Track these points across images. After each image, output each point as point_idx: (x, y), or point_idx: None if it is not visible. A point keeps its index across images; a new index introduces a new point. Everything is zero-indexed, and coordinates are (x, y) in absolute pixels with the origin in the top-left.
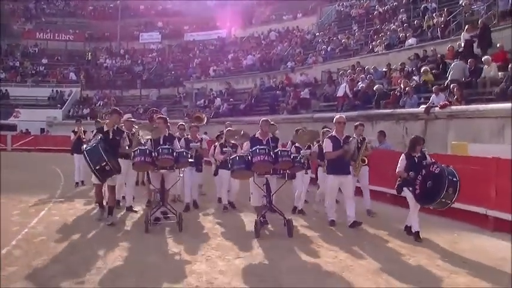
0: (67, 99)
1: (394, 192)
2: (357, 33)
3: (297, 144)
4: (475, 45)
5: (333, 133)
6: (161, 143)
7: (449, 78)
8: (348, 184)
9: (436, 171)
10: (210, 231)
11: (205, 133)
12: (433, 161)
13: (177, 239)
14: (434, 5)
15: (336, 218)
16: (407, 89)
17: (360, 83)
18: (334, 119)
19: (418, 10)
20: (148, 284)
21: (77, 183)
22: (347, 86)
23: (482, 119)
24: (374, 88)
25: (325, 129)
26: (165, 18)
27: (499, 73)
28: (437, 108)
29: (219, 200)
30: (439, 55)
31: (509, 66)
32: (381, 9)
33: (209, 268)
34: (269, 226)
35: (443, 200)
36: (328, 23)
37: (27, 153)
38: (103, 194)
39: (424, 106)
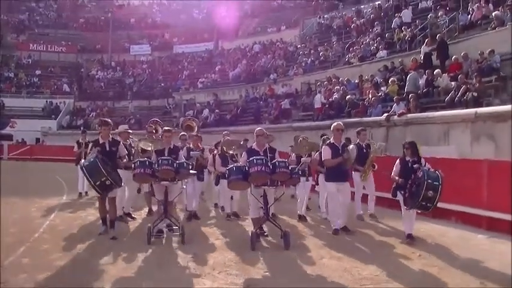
0: (61, 110)
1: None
2: (335, 45)
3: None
4: (433, 57)
5: (331, 140)
6: (166, 154)
7: (405, 89)
8: (346, 191)
9: (419, 175)
10: (213, 242)
11: None
12: (417, 166)
13: (179, 251)
14: (407, 18)
15: (339, 226)
16: (372, 99)
17: (334, 93)
18: (332, 127)
19: (391, 23)
20: None
21: (80, 193)
22: (322, 96)
23: (432, 124)
24: (346, 98)
25: (324, 136)
26: (155, 31)
27: (452, 83)
28: (396, 116)
29: (222, 208)
30: (401, 67)
31: (459, 76)
32: (358, 22)
33: (213, 282)
34: (269, 238)
35: (423, 202)
36: (309, 35)
37: (24, 162)
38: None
39: (386, 114)
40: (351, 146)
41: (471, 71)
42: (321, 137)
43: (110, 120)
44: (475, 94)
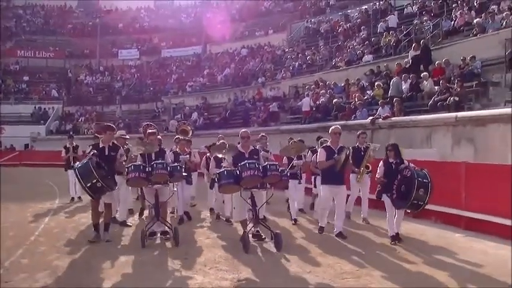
0: (50, 116)
1: None
2: (322, 49)
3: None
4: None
5: (328, 143)
6: (153, 158)
7: (389, 94)
8: (341, 195)
9: (407, 175)
10: (206, 244)
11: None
12: (404, 165)
13: (173, 254)
14: (393, 23)
15: (325, 225)
16: (357, 103)
17: (321, 97)
18: (330, 130)
19: (378, 28)
20: None
21: (72, 198)
22: (310, 100)
23: (415, 128)
24: (333, 102)
25: (322, 139)
26: (143, 36)
27: (435, 87)
28: (381, 120)
29: (211, 210)
30: (386, 71)
31: (441, 81)
32: (345, 26)
33: (204, 277)
34: (266, 239)
35: (415, 201)
36: (297, 39)
37: (14, 168)
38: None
39: (371, 118)
40: (346, 149)
41: (453, 76)
42: (318, 139)
43: (113, 125)
44: (457, 99)
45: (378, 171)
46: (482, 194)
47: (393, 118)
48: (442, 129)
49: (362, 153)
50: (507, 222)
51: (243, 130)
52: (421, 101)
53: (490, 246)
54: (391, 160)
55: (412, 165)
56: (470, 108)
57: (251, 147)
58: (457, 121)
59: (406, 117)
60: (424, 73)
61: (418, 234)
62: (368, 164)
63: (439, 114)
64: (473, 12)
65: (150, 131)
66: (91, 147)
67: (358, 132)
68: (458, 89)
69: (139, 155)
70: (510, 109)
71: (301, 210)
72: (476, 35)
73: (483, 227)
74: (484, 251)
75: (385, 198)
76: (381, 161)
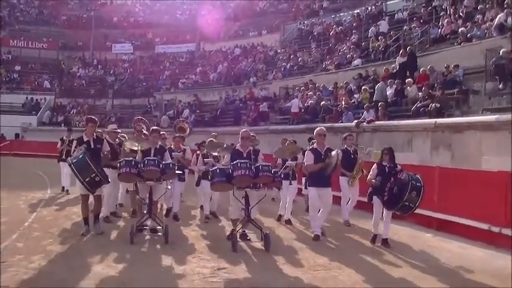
0: (41, 107)
1: None
2: (314, 52)
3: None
4: None
5: (315, 145)
6: (152, 154)
7: (374, 98)
8: (327, 197)
9: (402, 178)
10: (194, 242)
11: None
12: (399, 168)
13: (162, 251)
14: (384, 29)
15: (320, 232)
16: (343, 106)
17: (309, 99)
18: (315, 131)
19: (369, 32)
20: None
21: (63, 187)
22: (299, 101)
23: (397, 132)
24: (321, 104)
25: (313, 140)
26: (137, 30)
27: (419, 93)
28: (365, 123)
29: (201, 207)
30: (373, 76)
31: (423, 88)
32: (337, 29)
33: (189, 270)
34: (252, 239)
35: (407, 203)
36: (289, 40)
37: (4, 157)
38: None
39: (356, 121)
40: (334, 152)
41: (436, 83)
42: (309, 140)
43: (95, 118)
44: (438, 105)
45: (371, 173)
46: (453, 197)
47: (377, 122)
48: (422, 135)
49: (351, 155)
50: (475, 224)
51: (244, 130)
52: (405, 107)
53: (455, 245)
54: (384, 163)
55: (398, 168)
56: (451, 115)
57: (250, 148)
58: (436, 127)
59: (389, 121)
60: (408, 79)
61: (391, 234)
62: (363, 169)
63: (419, 119)
64: (460, 21)
65: (153, 128)
66: (76, 141)
67: (344, 135)
68: (440, 96)
69: (139, 151)
70: (485, 117)
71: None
72: (460, 43)
73: (453, 229)
74: (450, 250)
75: (375, 199)
76: (375, 164)
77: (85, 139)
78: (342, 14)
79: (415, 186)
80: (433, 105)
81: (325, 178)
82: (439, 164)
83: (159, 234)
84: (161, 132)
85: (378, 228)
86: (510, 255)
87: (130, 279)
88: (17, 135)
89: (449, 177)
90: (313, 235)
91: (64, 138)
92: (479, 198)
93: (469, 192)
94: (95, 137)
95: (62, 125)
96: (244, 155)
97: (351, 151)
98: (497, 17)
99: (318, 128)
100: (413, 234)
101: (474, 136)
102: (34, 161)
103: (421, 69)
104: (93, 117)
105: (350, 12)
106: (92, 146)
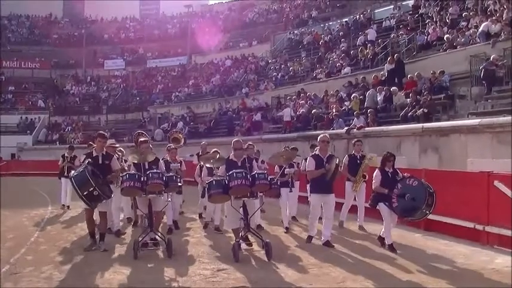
0: (36, 126)
1: None
2: (304, 61)
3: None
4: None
5: (317, 152)
6: (146, 167)
7: (365, 105)
8: (330, 203)
9: (414, 184)
10: (194, 247)
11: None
12: (408, 175)
13: (166, 264)
14: (372, 37)
15: (314, 235)
16: (334, 113)
17: (301, 108)
18: (319, 138)
19: (357, 40)
20: None
21: (63, 205)
22: (291, 110)
23: (387, 137)
24: (312, 112)
25: (317, 147)
26: (129, 46)
27: (407, 99)
28: (355, 130)
29: (200, 215)
30: (362, 83)
31: (410, 94)
32: (326, 38)
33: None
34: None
35: (424, 210)
36: (280, 50)
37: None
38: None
39: (347, 128)
40: (335, 158)
41: (424, 89)
42: (312, 147)
43: (105, 133)
44: (425, 110)
45: (375, 180)
46: (439, 198)
47: (367, 128)
48: (410, 139)
49: (358, 161)
50: (461, 223)
51: (235, 140)
52: (394, 112)
53: (442, 243)
54: (386, 169)
55: (406, 174)
56: (438, 119)
57: (244, 156)
58: (423, 131)
59: (378, 127)
60: (393, 88)
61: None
62: (365, 173)
63: (407, 124)
64: (445, 28)
65: (142, 139)
66: (85, 156)
67: (353, 141)
68: (427, 101)
69: (132, 164)
70: (469, 121)
71: (293, 218)
72: (446, 50)
73: (439, 228)
74: (437, 248)
75: (382, 206)
76: (377, 170)
77: (94, 154)
78: (330, 23)
79: (430, 193)
80: (420, 110)
81: (328, 184)
82: (427, 167)
83: (158, 244)
84: (168, 145)
85: (391, 237)
86: (493, 252)
87: (140, 281)
88: (13, 155)
89: (435, 179)
90: (307, 235)
91: (66, 155)
92: (463, 198)
93: (454, 192)
94: (104, 153)
95: (57, 143)
96: (239, 164)
97: (358, 157)
98: (482, 25)
99: (321, 135)
100: (403, 234)
101: (459, 139)
102: (32, 179)
103: (409, 76)
104: (103, 132)
105: (338, 21)
106: (100, 162)
